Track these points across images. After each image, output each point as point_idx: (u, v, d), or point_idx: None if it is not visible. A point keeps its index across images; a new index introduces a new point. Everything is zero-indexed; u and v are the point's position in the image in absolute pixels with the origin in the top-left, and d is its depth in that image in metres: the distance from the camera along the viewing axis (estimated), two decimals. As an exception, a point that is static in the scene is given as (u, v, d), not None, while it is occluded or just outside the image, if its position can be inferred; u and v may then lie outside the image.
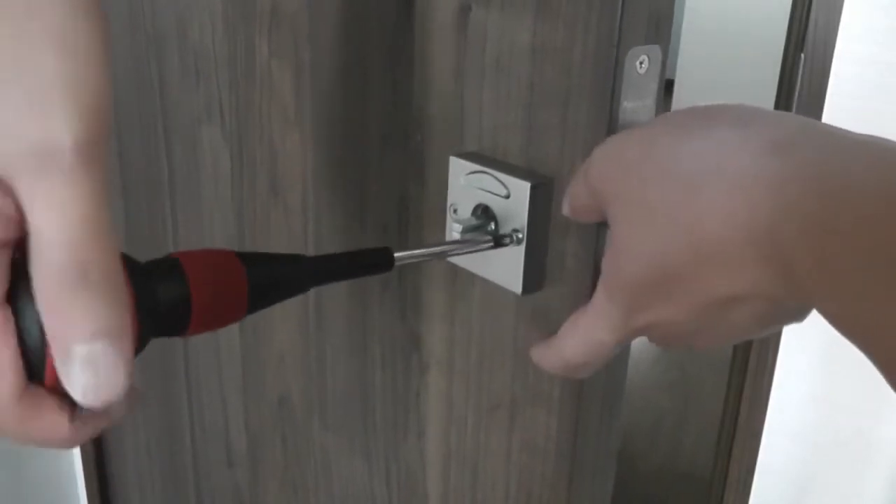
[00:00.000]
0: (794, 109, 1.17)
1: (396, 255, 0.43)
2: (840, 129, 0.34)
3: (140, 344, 0.32)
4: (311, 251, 0.70)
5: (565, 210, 0.45)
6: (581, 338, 0.43)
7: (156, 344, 0.35)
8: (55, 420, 0.30)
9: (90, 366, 0.28)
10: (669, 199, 0.36)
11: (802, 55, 1.14)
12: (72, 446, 0.32)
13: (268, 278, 0.37)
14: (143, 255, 0.35)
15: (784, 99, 1.24)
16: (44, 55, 0.27)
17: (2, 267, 0.29)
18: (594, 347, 0.43)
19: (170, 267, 0.34)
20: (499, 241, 0.49)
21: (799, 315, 0.39)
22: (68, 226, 0.27)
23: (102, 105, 0.29)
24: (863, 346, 0.30)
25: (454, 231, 0.50)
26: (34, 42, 0.27)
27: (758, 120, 0.36)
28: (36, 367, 0.30)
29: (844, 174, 0.31)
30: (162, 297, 0.33)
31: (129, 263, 0.32)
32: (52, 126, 0.27)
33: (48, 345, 0.29)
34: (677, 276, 0.37)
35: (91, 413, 0.31)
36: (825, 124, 0.35)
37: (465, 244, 0.49)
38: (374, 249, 0.43)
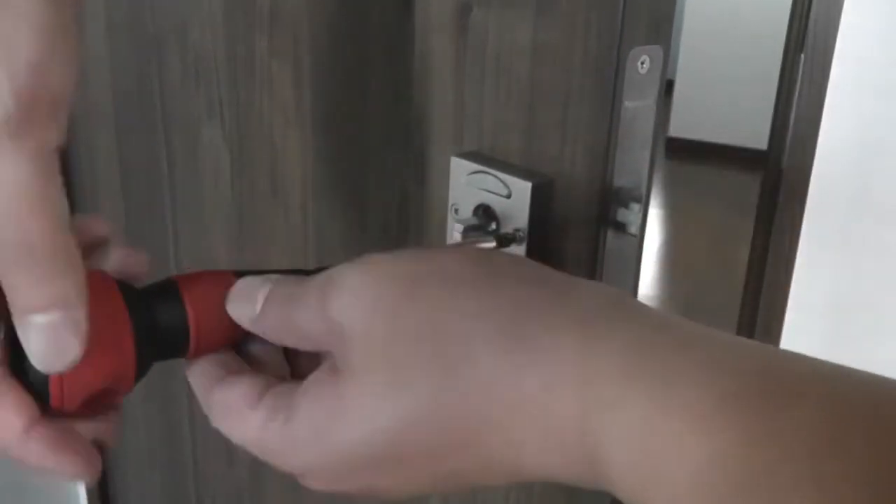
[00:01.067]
0: (793, 109, 1.17)
1: None
2: (654, 309, 0.29)
3: (140, 369, 0.32)
4: (311, 251, 0.70)
5: (248, 317, 0.33)
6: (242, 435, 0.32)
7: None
8: (8, 417, 0.30)
9: (45, 334, 0.28)
10: (429, 360, 0.29)
11: (802, 55, 1.14)
12: (19, 455, 0.31)
13: None
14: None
15: (784, 99, 1.24)
16: None
17: None
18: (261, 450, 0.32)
19: (167, 290, 0.34)
20: (501, 241, 0.49)
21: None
22: (6, 200, 0.27)
23: (46, 76, 0.27)
24: None
25: (456, 231, 0.50)
26: None
27: (556, 282, 0.30)
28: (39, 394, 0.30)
29: (678, 371, 0.25)
30: (160, 321, 0.33)
31: (125, 290, 0.32)
32: None
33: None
34: (416, 454, 0.29)
35: (51, 434, 0.31)
36: (635, 300, 0.30)
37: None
38: None
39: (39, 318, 0.28)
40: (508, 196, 0.49)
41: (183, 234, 0.87)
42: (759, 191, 1.26)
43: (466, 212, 0.52)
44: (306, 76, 0.65)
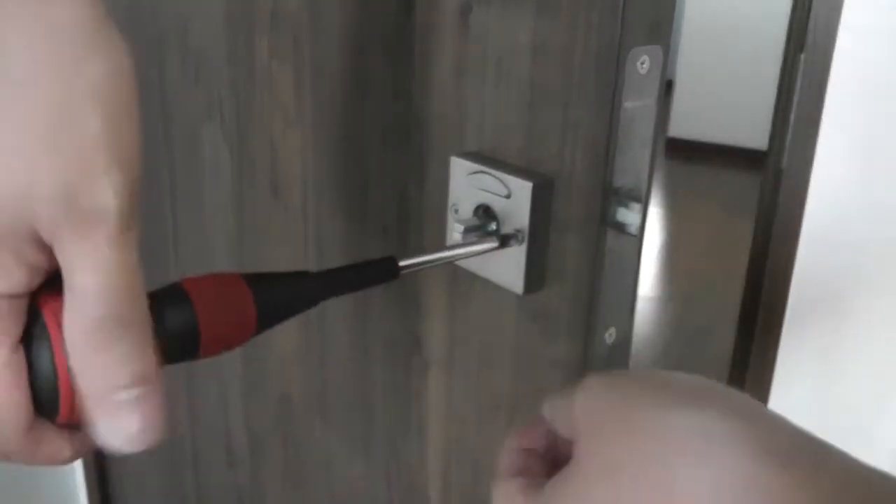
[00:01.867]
0: (793, 109, 1.17)
1: (401, 263, 0.43)
2: (834, 448, 0.31)
3: None
4: (311, 251, 0.70)
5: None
6: None
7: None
8: (59, 447, 0.32)
9: (134, 410, 0.29)
10: (641, 464, 0.31)
11: (802, 55, 1.14)
12: (72, 462, 0.33)
13: (274, 298, 0.37)
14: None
15: (784, 99, 1.24)
16: (90, 117, 0.28)
17: (21, 312, 0.30)
18: None
19: (175, 294, 0.34)
20: (503, 242, 0.49)
21: None
22: (112, 285, 0.29)
23: (139, 167, 0.30)
24: None
25: (456, 231, 0.50)
26: (79, 102, 0.28)
27: (753, 416, 0.33)
28: (48, 403, 0.31)
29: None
30: (169, 326, 0.33)
31: None
32: (99, 190, 0.28)
33: (62, 383, 0.30)
34: None
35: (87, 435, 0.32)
36: (816, 437, 0.32)
37: (469, 247, 0.49)
38: (380, 260, 0.43)
39: (124, 395, 0.29)
40: (508, 196, 0.49)
41: (183, 234, 0.87)
42: (759, 191, 1.26)
43: (466, 212, 0.52)
44: (306, 76, 0.65)
